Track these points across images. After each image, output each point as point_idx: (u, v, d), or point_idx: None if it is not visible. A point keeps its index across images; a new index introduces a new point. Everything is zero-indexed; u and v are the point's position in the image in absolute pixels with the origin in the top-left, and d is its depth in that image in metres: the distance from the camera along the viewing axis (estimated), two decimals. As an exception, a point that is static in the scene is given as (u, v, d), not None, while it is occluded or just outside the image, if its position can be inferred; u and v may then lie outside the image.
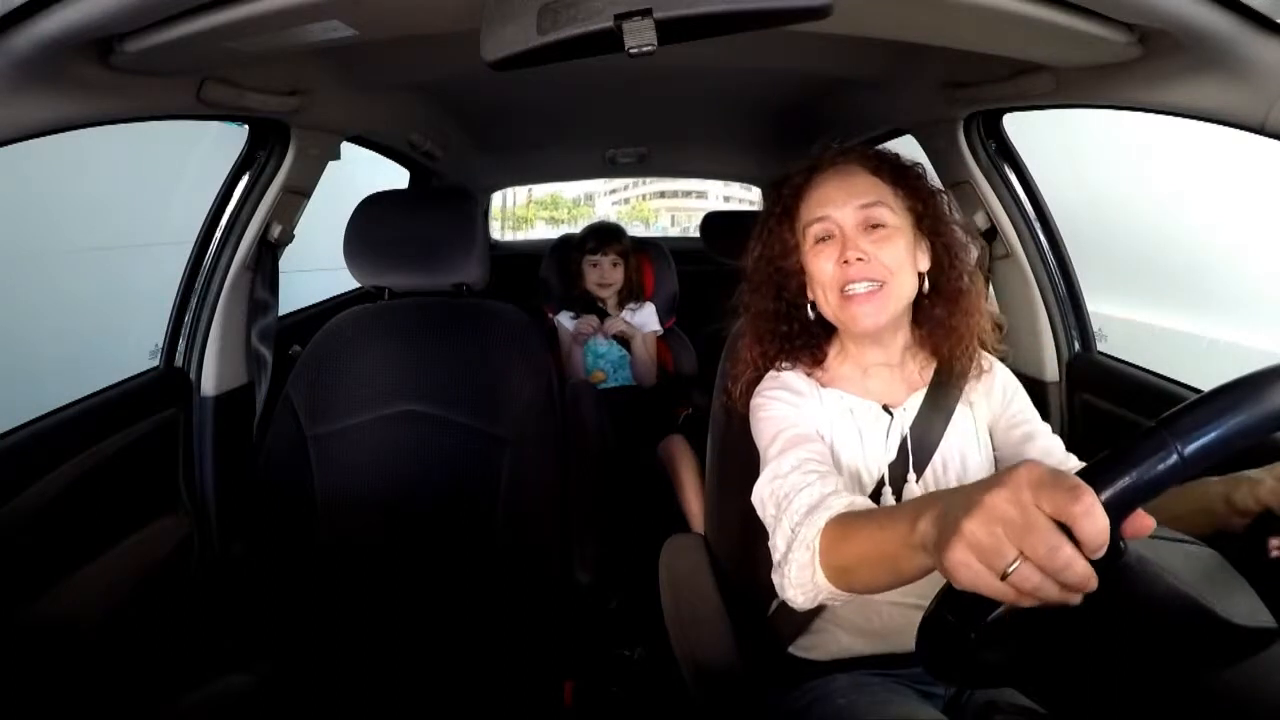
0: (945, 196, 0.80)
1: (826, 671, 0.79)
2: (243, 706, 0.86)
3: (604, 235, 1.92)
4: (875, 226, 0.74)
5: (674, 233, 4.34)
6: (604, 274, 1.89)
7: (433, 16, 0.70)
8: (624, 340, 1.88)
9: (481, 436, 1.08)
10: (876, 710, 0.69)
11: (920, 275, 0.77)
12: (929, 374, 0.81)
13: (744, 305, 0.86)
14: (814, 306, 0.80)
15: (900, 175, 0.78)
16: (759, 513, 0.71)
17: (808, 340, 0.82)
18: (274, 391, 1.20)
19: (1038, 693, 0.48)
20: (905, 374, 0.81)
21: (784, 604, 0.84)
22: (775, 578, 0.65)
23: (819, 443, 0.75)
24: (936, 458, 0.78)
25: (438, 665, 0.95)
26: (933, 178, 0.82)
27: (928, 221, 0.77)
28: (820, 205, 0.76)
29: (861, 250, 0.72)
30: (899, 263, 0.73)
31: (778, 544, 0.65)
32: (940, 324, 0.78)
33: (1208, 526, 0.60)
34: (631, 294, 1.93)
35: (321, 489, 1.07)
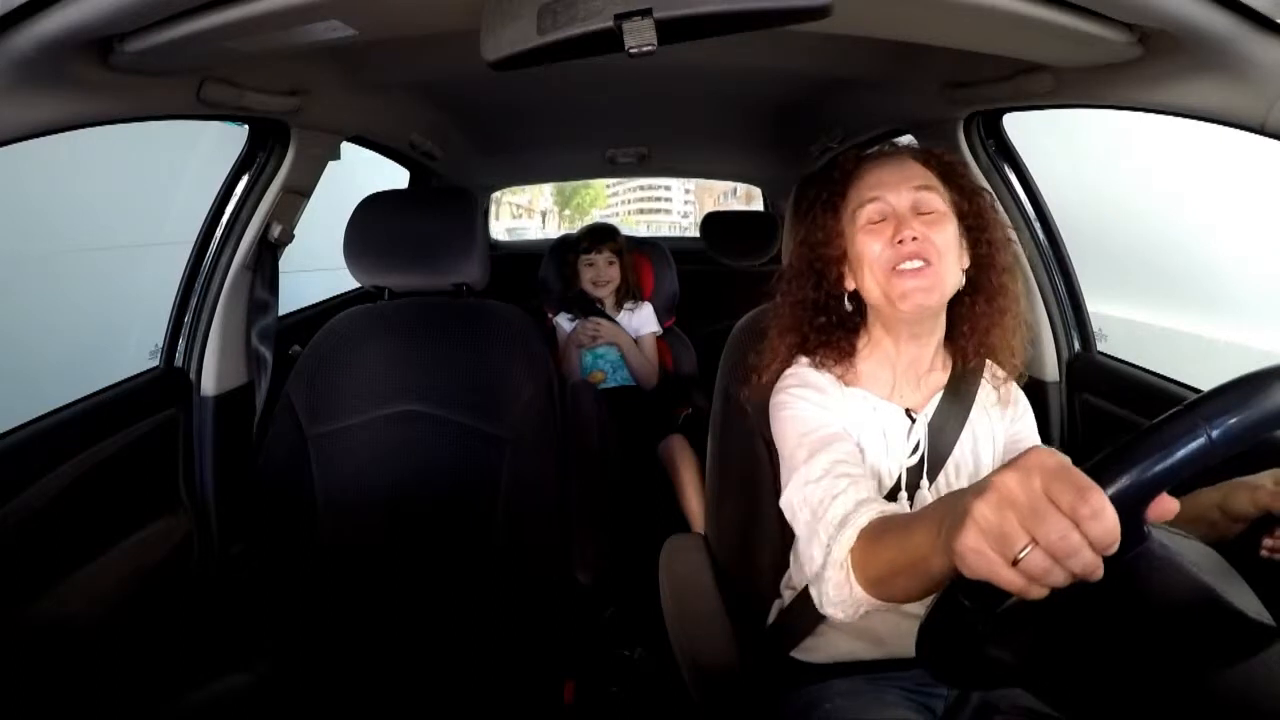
0: (989, 195, 0.80)
1: (825, 675, 0.79)
2: (243, 706, 0.86)
3: (598, 234, 1.93)
4: (927, 212, 0.74)
5: (645, 233, 4.82)
6: (599, 272, 1.89)
7: (433, 16, 0.69)
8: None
9: (481, 436, 1.08)
10: (868, 715, 0.70)
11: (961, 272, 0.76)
12: (945, 377, 0.81)
13: (782, 293, 0.85)
14: (851, 297, 0.79)
15: (947, 171, 0.78)
16: (789, 519, 0.70)
17: (844, 333, 0.81)
18: (274, 391, 1.20)
19: (1043, 691, 0.48)
20: (930, 377, 0.81)
21: (786, 609, 0.85)
22: (813, 591, 0.64)
23: (847, 441, 0.74)
24: (950, 462, 0.78)
25: (438, 665, 0.94)
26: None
27: (970, 219, 0.77)
28: (873, 187, 0.76)
29: (916, 230, 0.72)
30: (948, 245, 0.73)
31: (814, 555, 0.64)
32: (977, 323, 0.77)
33: (1202, 537, 0.60)
34: (629, 293, 1.93)
35: (321, 489, 1.07)
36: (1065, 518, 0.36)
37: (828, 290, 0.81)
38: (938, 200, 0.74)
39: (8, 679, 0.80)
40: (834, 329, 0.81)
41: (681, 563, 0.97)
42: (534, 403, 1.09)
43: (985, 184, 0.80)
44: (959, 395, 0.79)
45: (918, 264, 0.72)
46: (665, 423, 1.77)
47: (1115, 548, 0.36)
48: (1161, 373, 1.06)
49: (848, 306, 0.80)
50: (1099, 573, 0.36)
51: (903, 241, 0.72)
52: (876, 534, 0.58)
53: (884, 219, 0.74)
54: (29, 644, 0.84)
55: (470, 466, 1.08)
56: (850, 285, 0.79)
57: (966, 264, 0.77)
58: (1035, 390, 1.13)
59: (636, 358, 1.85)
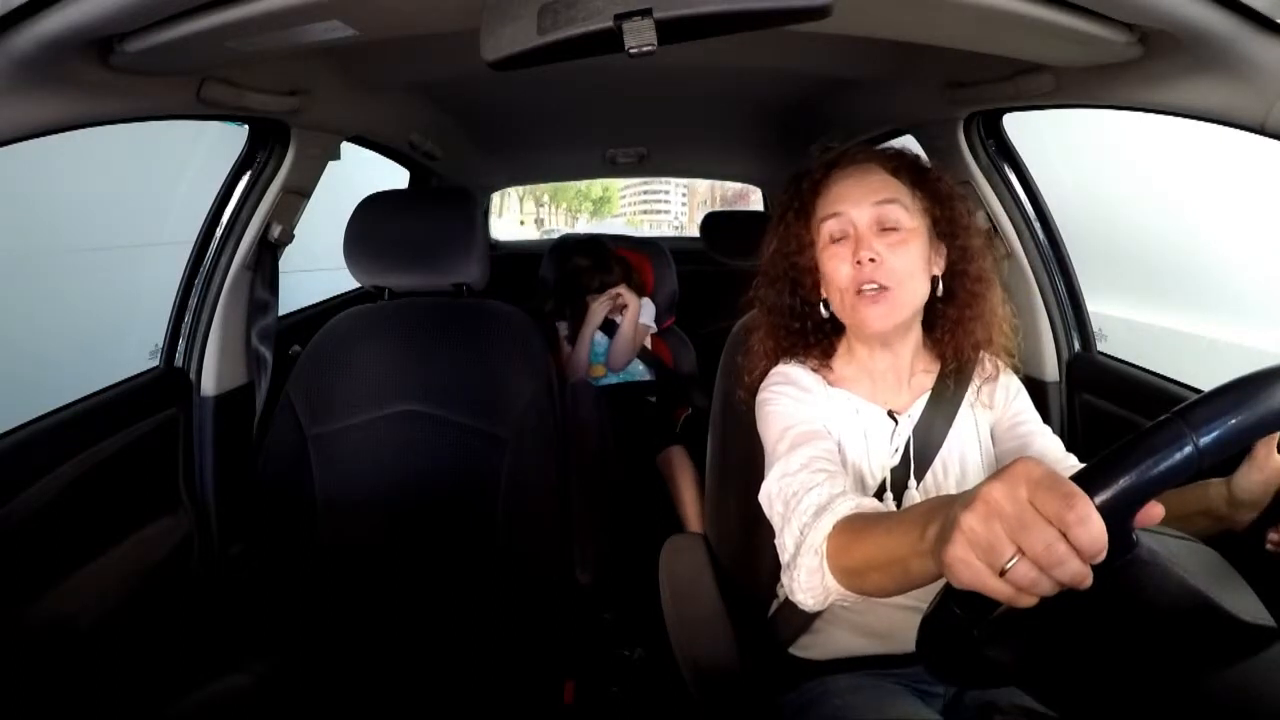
0: (964, 200, 0.80)
1: (826, 671, 0.79)
2: (243, 706, 0.86)
3: (600, 263, 1.87)
4: (890, 229, 0.73)
5: (649, 233, 5.01)
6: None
7: (433, 16, 0.69)
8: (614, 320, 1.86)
9: (481, 436, 1.08)
10: (873, 711, 0.70)
11: (934, 279, 0.76)
12: (933, 378, 0.81)
13: (758, 299, 0.86)
14: (827, 305, 0.79)
15: (919, 177, 0.77)
16: (766, 510, 0.71)
17: (820, 337, 0.82)
18: (274, 391, 1.20)
19: (1040, 692, 0.48)
20: (912, 379, 0.81)
21: (784, 604, 0.85)
22: (784, 578, 0.65)
23: (827, 439, 0.74)
24: (937, 462, 0.78)
25: (438, 665, 0.94)
26: None
27: (944, 225, 0.76)
28: (835, 202, 0.75)
29: (874, 251, 0.71)
30: (909, 269, 0.72)
31: (786, 544, 0.65)
32: (952, 329, 0.78)
33: (1209, 528, 0.60)
34: (634, 290, 1.92)
35: (321, 489, 1.08)
36: (1051, 527, 0.36)
37: (803, 298, 0.81)
38: (902, 214, 0.73)
39: (8, 679, 0.80)
40: (810, 333, 0.81)
41: (681, 563, 0.97)
42: (534, 403, 1.09)
43: (959, 190, 0.79)
44: (945, 396, 0.79)
45: (874, 289, 0.72)
46: (665, 423, 1.76)
47: (1103, 555, 0.36)
48: (1161, 372, 1.06)
49: (824, 314, 0.80)
50: (1087, 581, 0.36)
51: (860, 263, 0.71)
52: (855, 527, 0.58)
53: (845, 236, 0.74)
54: (29, 644, 0.84)
55: (470, 467, 1.08)
56: (825, 293, 0.79)
57: (941, 269, 0.77)
58: (1035, 390, 1.13)
59: (628, 330, 1.82)
